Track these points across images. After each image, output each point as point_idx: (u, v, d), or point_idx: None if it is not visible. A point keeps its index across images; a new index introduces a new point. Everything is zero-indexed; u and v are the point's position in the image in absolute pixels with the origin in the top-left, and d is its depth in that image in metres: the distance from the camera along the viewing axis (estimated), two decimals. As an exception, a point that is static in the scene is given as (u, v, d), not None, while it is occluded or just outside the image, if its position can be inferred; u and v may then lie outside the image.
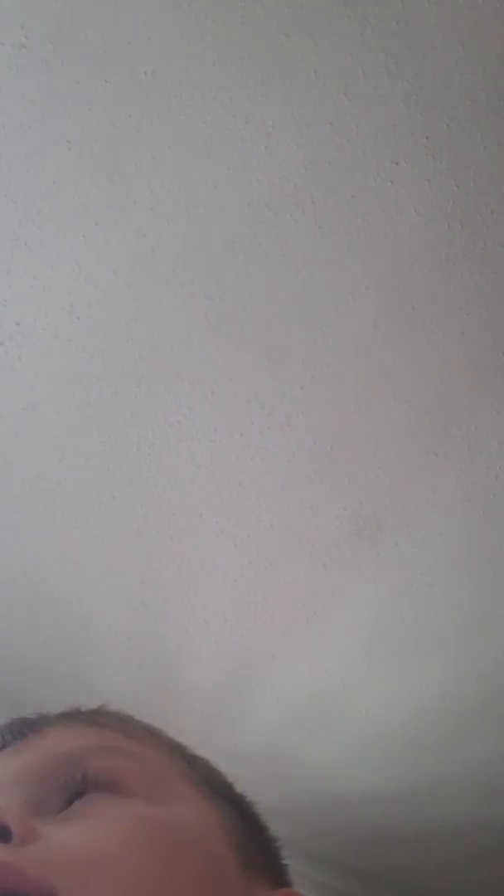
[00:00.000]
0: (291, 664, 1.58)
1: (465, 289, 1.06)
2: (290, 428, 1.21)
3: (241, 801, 0.41)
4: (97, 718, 0.40)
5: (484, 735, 1.70)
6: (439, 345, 1.12)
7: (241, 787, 0.43)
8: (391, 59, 0.88)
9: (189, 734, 0.47)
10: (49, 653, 1.60)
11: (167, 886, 0.30)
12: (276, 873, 0.38)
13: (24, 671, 1.63)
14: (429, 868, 2.22)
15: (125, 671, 1.61)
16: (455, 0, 0.84)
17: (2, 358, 1.16)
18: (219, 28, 0.86)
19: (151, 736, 0.41)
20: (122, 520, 1.35)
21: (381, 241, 1.02)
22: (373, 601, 1.44)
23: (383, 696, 1.63)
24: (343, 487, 1.28)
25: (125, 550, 1.39)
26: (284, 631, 1.50)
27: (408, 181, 0.97)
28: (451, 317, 1.09)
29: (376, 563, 1.38)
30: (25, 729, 0.39)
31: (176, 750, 0.41)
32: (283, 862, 0.40)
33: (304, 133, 0.94)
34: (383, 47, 0.87)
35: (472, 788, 1.87)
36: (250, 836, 0.38)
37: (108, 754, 0.37)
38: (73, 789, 0.35)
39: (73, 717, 0.40)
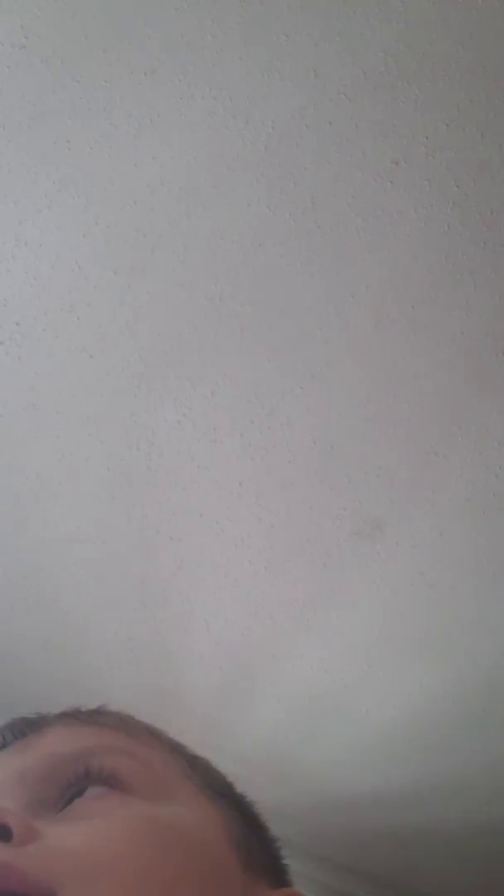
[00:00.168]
0: (291, 664, 1.58)
1: (465, 288, 1.06)
2: (290, 428, 1.21)
3: (242, 801, 0.41)
4: (97, 718, 0.40)
5: (484, 735, 1.70)
6: (439, 344, 1.12)
7: (241, 787, 0.43)
8: (391, 59, 0.88)
9: (189, 734, 0.47)
10: (49, 653, 1.60)
11: (168, 886, 0.30)
12: (276, 873, 0.38)
13: (23, 671, 1.63)
14: (429, 868, 2.22)
15: (125, 671, 1.61)
16: (454, 1, 0.84)
17: (2, 358, 1.16)
18: (218, 28, 0.86)
19: (152, 736, 0.41)
20: (122, 520, 1.35)
21: (381, 240, 1.02)
22: (373, 601, 1.44)
23: (384, 696, 1.63)
24: (343, 487, 1.28)
25: (125, 550, 1.39)
26: (284, 631, 1.50)
27: (408, 181, 0.97)
28: (452, 316, 1.09)
29: (377, 563, 1.38)
30: (26, 729, 0.39)
31: (176, 750, 0.41)
32: (284, 862, 0.40)
33: (304, 133, 0.94)
34: (383, 47, 0.87)
35: (472, 789, 1.87)
36: (251, 836, 0.38)
37: (109, 754, 0.37)
38: (73, 788, 0.35)
39: (74, 717, 0.40)
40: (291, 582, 1.42)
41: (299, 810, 1.96)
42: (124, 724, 0.40)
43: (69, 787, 0.35)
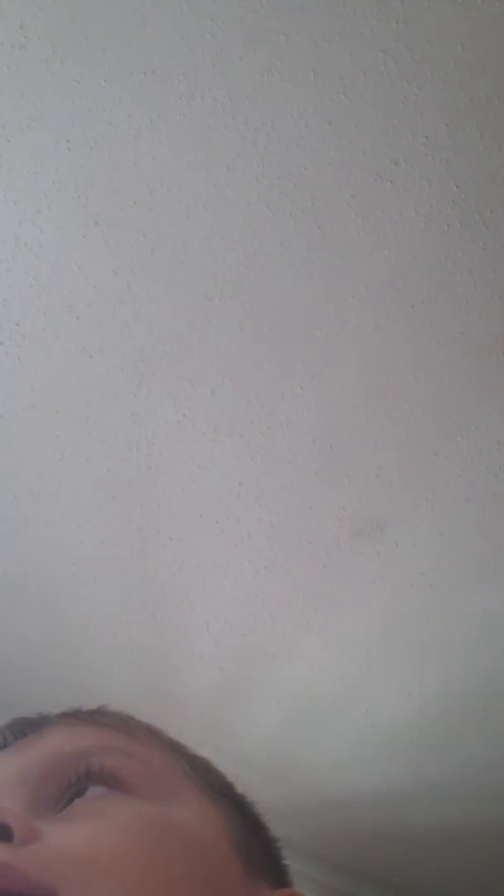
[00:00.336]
0: (291, 664, 1.58)
1: (464, 288, 1.06)
2: (290, 428, 1.21)
3: (242, 802, 0.41)
4: (98, 718, 0.40)
5: (484, 736, 1.70)
6: (439, 344, 1.12)
7: (241, 787, 0.43)
8: (391, 60, 0.88)
9: (189, 734, 0.47)
10: (49, 653, 1.60)
11: (168, 886, 0.30)
12: (276, 873, 0.38)
13: (23, 671, 1.63)
14: (429, 869, 2.22)
15: (125, 671, 1.61)
16: (454, 1, 0.84)
17: (2, 358, 1.16)
18: (218, 28, 0.86)
19: (152, 736, 0.41)
20: (121, 520, 1.35)
21: (380, 240, 1.02)
22: (373, 601, 1.44)
23: (384, 696, 1.63)
24: (343, 487, 1.28)
25: (125, 550, 1.39)
26: (284, 631, 1.50)
27: (407, 181, 0.97)
28: (451, 317, 1.09)
29: (376, 564, 1.38)
30: (26, 728, 0.39)
31: (177, 750, 0.41)
32: (284, 862, 0.40)
33: (304, 133, 0.94)
34: (383, 47, 0.87)
35: (472, 789, 1.87)
36: (251, 837, 0.38)
37: (110, 754, 0.37)
38: (74, 788, 0.35)
39: (74, 717, 0.40)
40: (291, 582, 1.42)
41: (299, 810, 1.96)
42: (125, 724, 0.40)
43: (70, 787, 0.35)
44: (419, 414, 1.19)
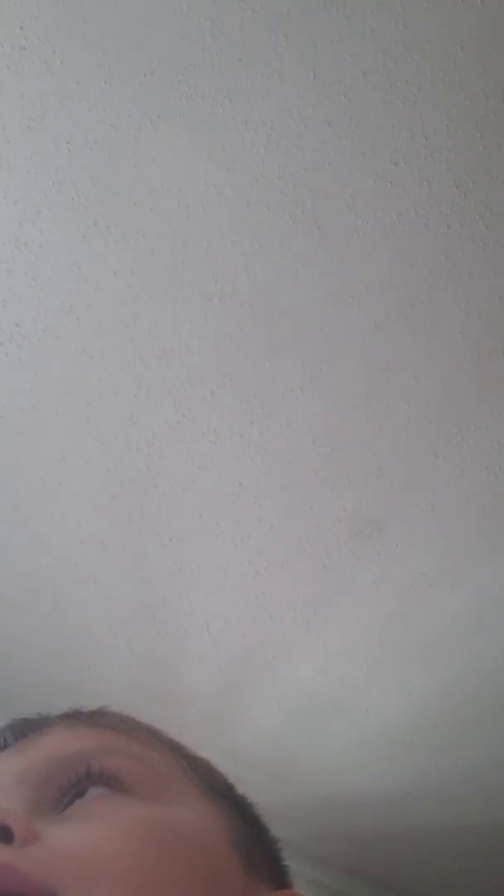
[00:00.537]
0: (291, 665, 1.57)
1: (464, 289, 1.06)
2: (289, 429, 1.21)
3: (242, 803, 0.41)
4: (98, 719, 0.40)
5: (484, 737, 1.70)
6: (439, 345, 1.12)
7: (241, 787, 0.43)
8: (390, 60, 0.88)
9: (189, 735, 0.47)
10: (49, 654, 1.59)
11: (168, 887, 0.30)
12: (277, 874, 0.38)
13: (23, 672, 1.63)
14: (429, 869, 2.21)
15: (125, 672, 1.61)
16: (454, 1, 0.84)
17: (2, 359, 1.16)
18: (218, 29, 0.87)
19: (152, 737, 0.41)
20: (121, 520, 1.35)
21: (380, 241, 1.02)
22: (373, 602, 1.44)
23: (384, 697, 1.63)
24: (343, 488, 1.28)
25: (125, 551, 1.39)
26: (284, 632, 1.50)
27: (407, 182, 0.97)
28: (451, 317, 1.09)
29: (376, 564, 1.38)
30: (27, 729, 0.39)
31: (177, 751, 0.41)
32: (284, 863, 0.40)
33: (304, 134, 0.94)
34: (382, 48, 0.87)
35: (473, 790, 1.87)
36: (251, 838, 0.38)
37: (110, 755, 0.36)
38: (74, 790, 0.35)
39: (75, 718, 0.40)
40: (291, 583, 1.41)
41: (300, 811, 1.96)
42: (125, 726, 0.40)
43: (70, 788, 0.35)
44: (419, 415, 1.19)
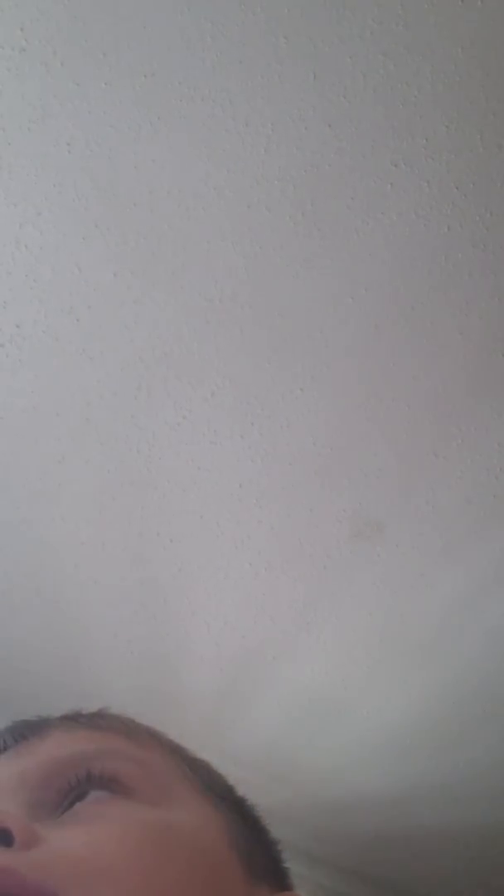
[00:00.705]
0: (292, 666, 1.57)
1: (464, 290, 1.06)
2: (290, 430, 1.21)
3: (243, 804, 0.41)
4: (98, 721, 0.40)
5: (485, 737, 1.70)
6: (439, 346, 1.12)
7: (241, 789, 0.43)
8: (390, 62, 0.88)
9: (189, 737, 0.47)
10: (49, 655, 1.59)
11: (169, 890, 0.30)
12: (277, 876, 0.38)
13: (23, 673, 1.63)
14: (430, 870, 2.21)
15: (125, 673, 1.61)
16: (454, 2, 0.84)
17: (2, 360, 1.16)
18: (218, 31, 0.87)
19: (152, 739, 0.41)
20: (122, 522, 1.35)
21: (380, 242, 1.02)
22: (373, 603, 1.44)
23: (384, 698, 1.63)
24: (343, 489, 1.28)
25: (125, 552, 1.39)
26: (285, 633, 1.50)
27: (407, 183, 0.97)
28: (451, 318, 1.09)
29: (377, 565, 1.38)
30: (27, 732, 0.39)
31: (177, 753, 0.41)
32: (285, 865, 0.40)
33: (304, 135, 0.94)
34: (382, 50, 0.87)
35: (473, 791, 1.87)
36: (252, 840, 0.38)
37: (110, 757, 0.37)
38: (74, 792, 0.35)
39: (74, 720, 0.40)
40: (292, 583, 1.41)
41: (300, 812, 1.96)
42: (125, 728, 0.40)
43: (70, 791, 0.35)
44: (419, 415, 1.19)
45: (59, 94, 0.92)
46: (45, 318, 1.11)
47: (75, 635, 1.55)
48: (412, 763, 1.80)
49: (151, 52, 0.88)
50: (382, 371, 1.15)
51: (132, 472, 1.28)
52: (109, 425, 1.22)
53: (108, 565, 1.41)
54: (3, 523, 1.36)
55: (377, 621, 1.47)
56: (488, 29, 0.86)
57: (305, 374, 1.15)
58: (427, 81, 0.89)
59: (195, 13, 0.86)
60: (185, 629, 1.51)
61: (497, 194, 0.98)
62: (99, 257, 1.05)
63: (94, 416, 1.21)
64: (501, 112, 0.91)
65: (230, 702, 1.67)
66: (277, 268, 1.05)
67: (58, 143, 0.95)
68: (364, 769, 1.83)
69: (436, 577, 1.39)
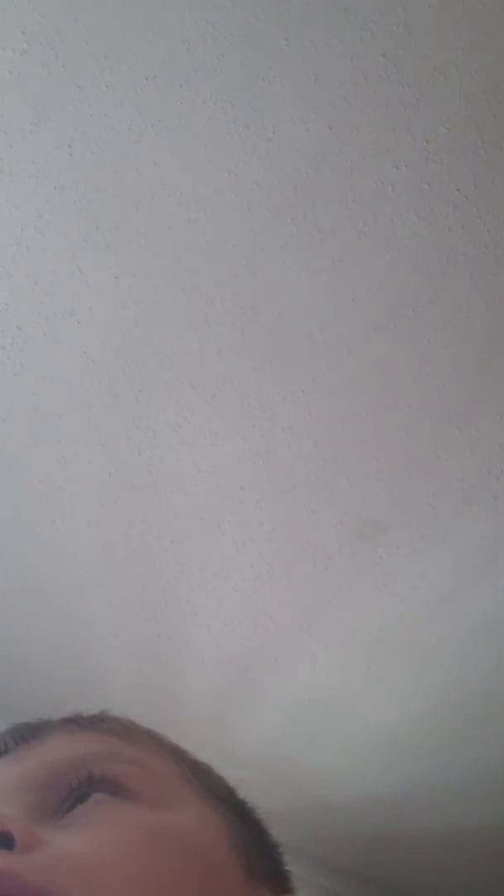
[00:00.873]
0: (293, 668, 1.57)
1: (465, 292, 1.06)
2: (291, 431, 1.21)
3: (243, 807, 0.41)
4: (99, 724, 0.40)
5: (486, 738, 1.70)
6: (440, 348, 1.12)
7: (242, 791, 0.43)
8: (391, 64, 0.88)
9: (190, 738, 0.47)
10: (50, 657, 1.60)
11: (169, 893, 0.30)
12: (278, 879, 0.38)
13: (24, 675, 1.63)
14: (430, 872, 2.21)
15: (126, 675, 1.61)
16: (455, 4, 0.84)
17: (3, 362, 1.16)
18: (219, 33, 0.87)
19: (153, 741, 0.41)
20: (123, 524, 1.35)
21: (381, 244, 1.02)
22: (374, 605, 1.44)
23: (384, 699, 1.63)
24: (344, 491, 1.28)
25: (126, 554, 1.39)
26: (286, 634, 1.50)
27: (408, 185, 0.97)
28: (452, 320, 1.09)
29: (378, 567, 1.38)
30: (27, 734, 0.39)
31: (177, 755, 0.41)
32: (286, 868, 0.40)
33: (305, 137, 0.94)
34: (383, 52, 0.87)
35: (473, 793, 1.87)
36: (252, 842, 0.38)
37: (111, 760, 0.36)
38: (75, 795, 0.35)
39: (75, 723, 0.40)
40: (293, 585, 1.41)
41: (301, 814, 1.96)
42: (126, 730, 0.40)
43: (71, 794, 0.35)
44: (420, 417, 1.19)
45: (60, 96, 0.92)
46: (47, 321, 1.11)
47: (76, 636, 1.55)
48: (413, 764, 1.80)
49: (152, 54, 0.89)
50: (383, 373, 1.15)
51: (133, 473, 1.28)
52: (110, 427, 1.22)
53: (109, 567, 1.42)
54: (5, 524, 1.36)
55: (378, 622, 1.47)
56: (489, 31, 0.86)
57: (306, 375, 1.15)
58: (428, 83, 0.89)
59: (196, 16, 0.86)
60: (185, 630, 1.51)
61: (498, 196, 0.98)
62: (100, 259, 1.05)
63: (95, 417, 1.21)
64: (502, 114, 0.92)
65: (231, 703, 1.67)
66: (278, 270, 1.05)
67: (59, 145, 0.95)
68: (364, 770, 1.83)
69: (437, 579, 1.39)
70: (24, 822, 0.31)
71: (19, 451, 1.26)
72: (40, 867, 0.28)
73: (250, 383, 1.16)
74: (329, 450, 1.23)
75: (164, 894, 0.30)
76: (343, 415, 1.19)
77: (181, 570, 1.41)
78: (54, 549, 1.40)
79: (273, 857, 0.40)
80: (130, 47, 0.88)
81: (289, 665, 1.57)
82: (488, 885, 2.18)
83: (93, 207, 1.00)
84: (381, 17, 0.85)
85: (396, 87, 0.90)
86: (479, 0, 0.84)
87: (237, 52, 0.88)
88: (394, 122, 0.92)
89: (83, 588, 1.45)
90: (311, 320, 1.10)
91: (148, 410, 1.20)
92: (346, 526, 1.32)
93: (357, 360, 1.13)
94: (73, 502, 1.32)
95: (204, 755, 0.44)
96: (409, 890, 2.29)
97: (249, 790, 0.43)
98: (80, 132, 0.94)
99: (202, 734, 1.64)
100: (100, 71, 0.90)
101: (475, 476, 1.25)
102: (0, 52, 0.89)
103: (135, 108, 0.92)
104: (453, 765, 1.78)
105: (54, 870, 0.28)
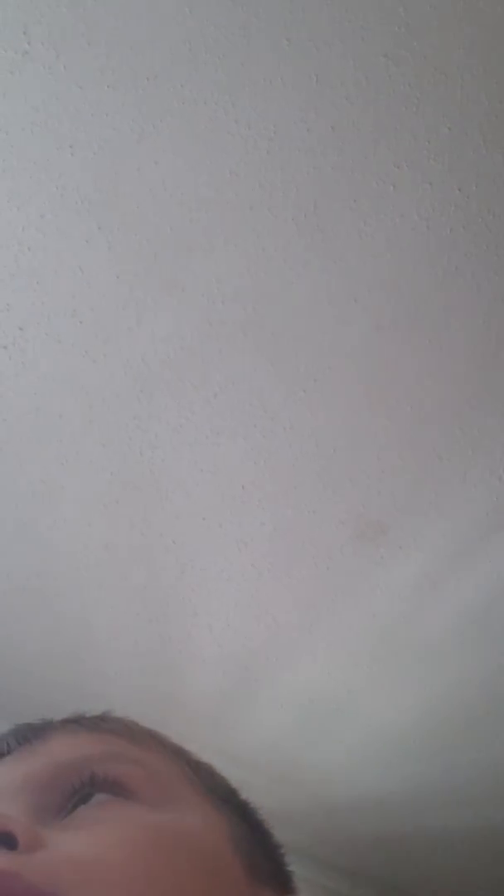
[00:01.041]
0: (294, 668, 1.57)
1: (467, 292, 1.06)
2: (292, 431, 1.21)
3: (245, 807, 0.41)
4: (101, 724, 0.40)
5: (488, 739, 1.70)
6: (442, 348, 1.12)
7: (244, 791, 0.43)
8: (392, 64, 0.88)
9: (192, 739, 0.47)
10: (52, 657, 1.60)
11: (172, 893, 0.30)
12: (280, 880, 0.38)
13: (26, 676, 1.63)
14: (432, 872, 2.21)
15: (128, 675, 1.61)
16: (456, 4, 0.84)
17: (5, 362, 1.16)
18: (221, 33, 0.87)
19: (155, 742, 0.41)
20: (124, 523, 1.35)
21: (383, 244, 1.02)
22: (376, 605, 1.44)
23: (386, 700, 1.63)
24: (346, 491, 1.28)
25: (128, 554, 1.39)
26: (287, 634, 1.50)
27: (409, 185, 0.97)
28: (454, 320, 1.09)
29: (379, 567, 1.38)
30: (30, 735, 0.39)
31: (179, 755, 0.41)
32: (288, 868, 0.40)
33: (306, 137, 0.94)
34: (384, 51, 0.87)
35: (474, 793, 1.87)
36: (255, 843, 0.38)
37: (113, 760, 0.37)
38: (77, 796, 0.35)
39: (78, 724, 0.40)
40: (294, 585, 1.41)
41: (303, 814, 1.96)
42: (128, 731, 0.40)
43: (73, 794, 0.35)
44: (422, 417, 1.19)
45: (61, 96, 0.92)
46: (48, 321, 1.11)
47: (78, 637, 1.55)
48: (414, 764, 1.80)
49: (154, 54, 0.89)
50: (385, 373, 1.15)
51: (135, 473, 1.28)
52: (112, 427, 1.22)
53: (110, 567, 1.42)
54: (6, 524, 1.36)
55: (379, 623, 1.47)
56: (489, 30, 0.86)
57: (308, 375, 1.15)
58: (429, 83, 0.89)
59: (197, 16, 0.86)
60: (187, 630, 1.51)
61: (499, 195, 0.98)
62: (101, 259, 1.05)
63: (97, 417, 1.21)
64: (503, 113, 0.91)
65: (232, 703, 1.67)
66: (280, 269, 1.05)
67: (60, 145, 0.95)
68: (366, 770, 1.83)
69: (438, 579, 1.39)
70: (27, 822, 0.31)
71: (20, 450, 1.26)
72: (43, 868, 0.28)
73: (252, 383, 1.16)
74: (331, 450, 1.23)
75: (165, 894, 0.30)
76: (345, 415, 1.19)
77: (182, 570, 1.41)
78: (55, 549, 1.40)
79: (275, 858, 0.40)
80: (132, 47, 0.88)
81: (290, 665, 1.57)
82: (488, 885, 2.18)
83: (94, 207, 1.00)
84: (383, 17, 0.85)
85: (398, 86, 0.90)
86: (481, -1, 0.84)
87: (238, 52, 0.88)
88: (395, 121, 0.92)
89: (84, 588, 1.45)
90: (313, 320, 1.10)
91: (149, 410, 1.20)
92: (348, 526, 1.32)
93: (359, 359, 1.13)
94: (74, 502, 1.32)
95: (205, 755, 0.44)
96: (409, 890, 2.29)
97: (250, 790, 0.43)
98: (82, 132, 0.94)
99: (204, 734, 1.64)
100: (101, 71, 0.90)
101: (477, 476, 1.25)
102: (2, 52, 0.89)
103: (136, 108, 0.92)
104: (455, 765, 1.78)
105: (56, 870, 0.28)
